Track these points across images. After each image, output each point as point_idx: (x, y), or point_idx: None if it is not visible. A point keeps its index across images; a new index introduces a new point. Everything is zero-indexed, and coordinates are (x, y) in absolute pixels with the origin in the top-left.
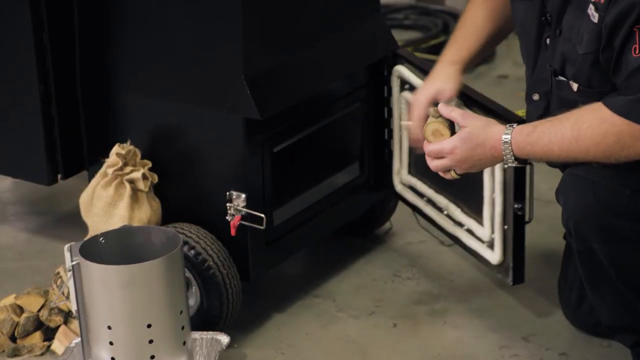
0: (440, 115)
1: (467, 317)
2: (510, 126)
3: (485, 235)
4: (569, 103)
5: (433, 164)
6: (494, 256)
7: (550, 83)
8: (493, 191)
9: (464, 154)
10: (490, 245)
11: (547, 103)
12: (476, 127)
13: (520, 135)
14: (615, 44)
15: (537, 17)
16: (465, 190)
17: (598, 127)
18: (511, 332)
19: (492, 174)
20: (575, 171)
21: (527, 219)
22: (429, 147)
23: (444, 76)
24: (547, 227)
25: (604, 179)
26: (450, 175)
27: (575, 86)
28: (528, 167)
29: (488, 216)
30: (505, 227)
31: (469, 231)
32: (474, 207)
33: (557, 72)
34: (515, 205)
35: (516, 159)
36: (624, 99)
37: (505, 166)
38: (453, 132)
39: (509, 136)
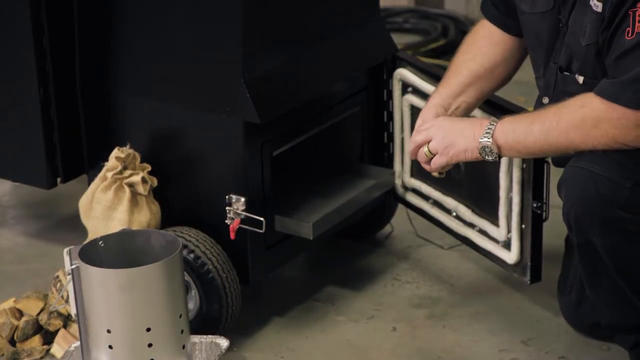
0: None
1: (466, 320)
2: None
3: (500, 236)
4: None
5: (413, 139)
6: (510, 256)
7: (555, 79)
8: (510, 191)
9: (443, 123)
10: (506, 245)
11: None
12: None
13: (506, 118)
14: (612, 25)
15: (549, 26)
16: (476, 191)
17: (579, 111)
18: (511, 335)
19: (509, 173)
20: (577, 164)
21: (544, 217)
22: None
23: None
24: (546, 230)
25: (606, 172)
26: (426, 157)
27: (581, 79)
28: (545, 165)
29: (504, 216)
30: (523, 226)
31: (482, 232)
32: (487, 208)
33: (562, 68)
34: (534, 204)
35: (493, 137)
36: (609, 82)
37: (479, 141)
38: None
39: (495, 122)
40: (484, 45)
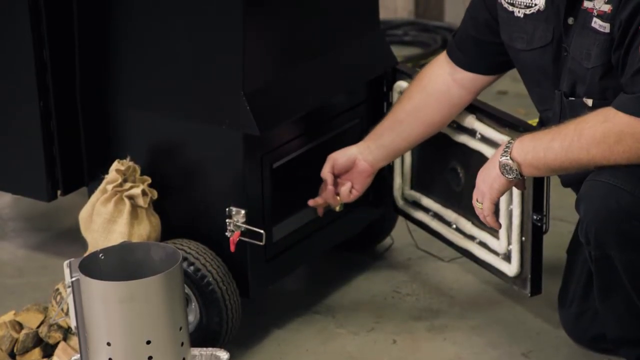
0: None
1: (466, 333)
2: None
3: (501, 248)
4: None
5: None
6: (510, 268)
7: (561, 107)
8: (510, 203)
9: (480, 171)
10: (506, 257)
11: None
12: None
13: (525, 136)
14: (624, 43)
15: (554, 57)
16: None
17: (600, 126)
18: (511, 348)
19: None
20: (598, 177)
21: (544, 230)
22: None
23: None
24: (547, 242)
25: (628, 186)
26: (481, 210)
27: (589, 102)
28: (545, 177)
29: (504, 228)
30: (523, 238)
31: (482, 244)
32: None
33: (567, 94)
34: (535, 217)
35: (511, 154)
36: (631, 97)
37: (499, 161)
38: None
39: (513, 141)
40: (413, 88)
